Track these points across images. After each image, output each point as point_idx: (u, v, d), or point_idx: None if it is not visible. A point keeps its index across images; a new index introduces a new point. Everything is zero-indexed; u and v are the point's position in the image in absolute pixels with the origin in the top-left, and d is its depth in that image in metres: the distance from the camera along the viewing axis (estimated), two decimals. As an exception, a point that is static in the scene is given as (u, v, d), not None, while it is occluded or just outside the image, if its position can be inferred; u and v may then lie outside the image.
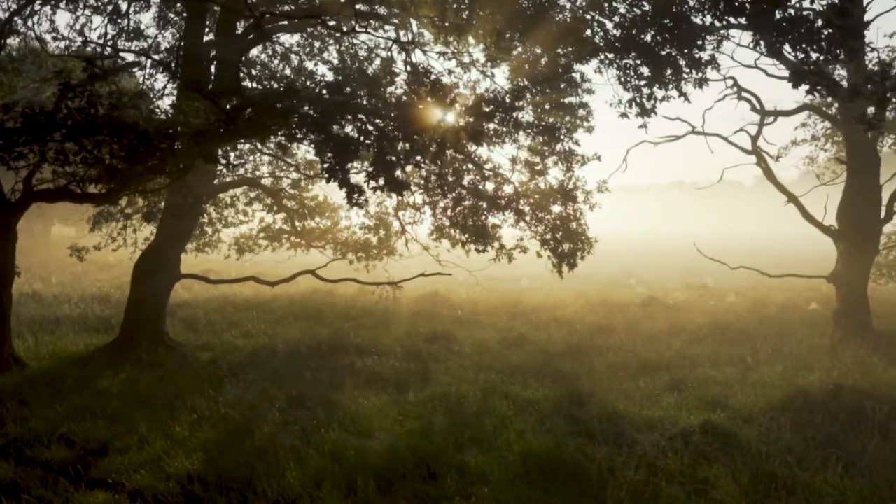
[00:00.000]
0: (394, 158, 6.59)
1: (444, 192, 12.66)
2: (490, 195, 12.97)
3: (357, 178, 8.69)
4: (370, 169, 6.28)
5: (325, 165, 6.06)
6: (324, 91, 10.70)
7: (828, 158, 16.26)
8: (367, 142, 6.41)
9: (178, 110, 6.91)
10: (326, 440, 6.89)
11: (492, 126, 12.45)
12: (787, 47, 6.53)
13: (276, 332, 13.82)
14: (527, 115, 12.47)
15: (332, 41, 16.14)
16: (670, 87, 8.06)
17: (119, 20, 14.12)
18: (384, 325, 14.80)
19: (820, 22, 6.21)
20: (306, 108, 6.52)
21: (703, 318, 14.89)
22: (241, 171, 17.29)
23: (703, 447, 6.68)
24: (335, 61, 15.67)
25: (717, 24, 6.93)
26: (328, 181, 6.15)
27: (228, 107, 5.98)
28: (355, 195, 6.05)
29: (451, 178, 12.18)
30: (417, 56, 20.35)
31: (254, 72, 15.79)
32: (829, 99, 11.28)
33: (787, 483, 5.81)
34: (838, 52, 6.46)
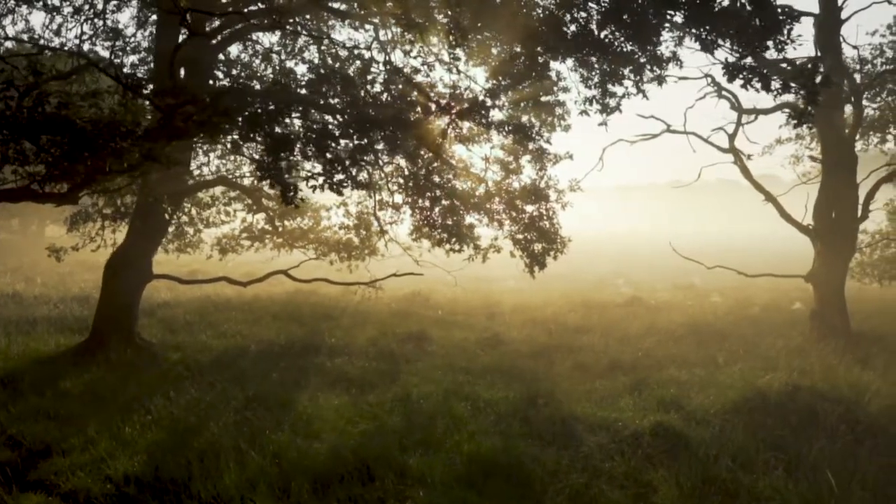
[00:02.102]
0: (335, 157, 6.53)
1: (420, 192, 12.66)
2: (464, 194, 12.92)
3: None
4: (315, 168, 6.25)
5: (257, 163, 6.01)
6: (302, 89, 10.73)
7: (806, 157, 16.14)
8: (310, 139, 6.35)
9: (125, 109, 6.85)
10: (272, 441, 6.84)
11: (465, 125, 12.45)
12: (719, 41, 6.43)
13: (252, 333, 13.77)
14: (499, 114, 12.45)
15: (311, 41, 16.10)
16: (628, 84, 7.94)
17: (95, 20, 14.09)
18: (361, 326, 14.73)
19: (746, 14, 6.12)
20: (255, 106, 6.47)
21: (682, 317, 14.78)
22: (223, 170, 17.35)
23: (652, 449, 6.60)
24: (317, 61, 15.64)
25: (659, 18, 6.84)
26: (259, 179, 6.08)
27: (164, 105, 5.94)
28: (290, 193, 6.00)
29: (423, 178, 12.17)
30: (400, 56, 20.24)
31: (234, 71, 15.77)
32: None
33: (729, 487, 5.73)
34: (767, 45, 6.35)
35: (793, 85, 6.52)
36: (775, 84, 6.47)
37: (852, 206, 12.38)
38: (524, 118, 13.03)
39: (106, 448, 6.75)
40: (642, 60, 8.07)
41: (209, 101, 5.89)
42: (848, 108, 13.47)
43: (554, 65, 11.53)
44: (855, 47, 14.14)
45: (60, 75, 9.76)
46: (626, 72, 7.86)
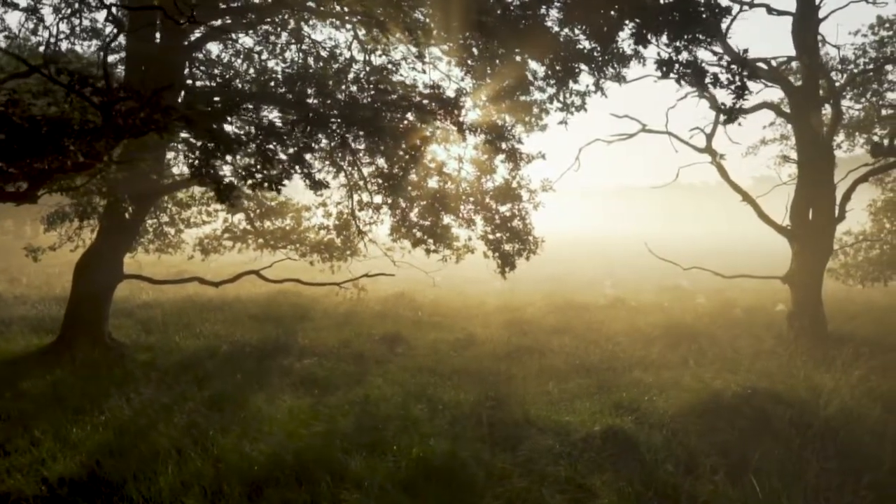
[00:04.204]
0: (276, 155, 6.45)
1: (395, 192, 12.65)
2: (439, 194, 12.84)
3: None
4: (252, 164, 6.16)
5: (189, 162, 5.93)
6: (265, 87, 10.61)
7: (779, 155, 15.94)
8: (257, 137, 6.27)
9: (71, 106, 6.77)
10: (216, 443, 6.75)
11: (438, 124, 12.37)
12: (650, 34, 6.32)
13: (227, 333, 13.69)
14: (473, 114, 12.42)
15: (292, 40, 16.05)
16: (589, 82, 7.85)
17: (72, 18, 14.04)
18: (339, 327, 14.64)
19: (670, 8, 6.01)
20: (198, 104, 6.39)
21: (662, 319, 14.63)
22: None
23: (600, 453, 6.49)
24: (299, 60, 15.59)
25: (617, 15, 6.73)
26: (192, 177, 6.00)
27: (100, 102, 5.86)
28: (227, 192, 5.91)
29: (396, 177, 12.13)
30: (380, 56, 20.17)
31: (216, 70, 15.73)
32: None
33: (670, 492, 5.62)
34: (697, 37, 6.22)
35: (722, 80, 6.40)
36: (708, 79, 6.36)
37: (829, 207, 12.22)
38: (503, 117, 12.96)
39: (49, 449, 6.69)
40: (604, 58, 7.96)
41: (148, 98, 5.79)
42: (827, 109, 13.30)
43: (532, 64, 11.51)
44: (836, 47, 13.95)
45: (19, 73, 9.70)
46: (585, 69, 7.75)
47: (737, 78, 6.28)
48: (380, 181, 12.80)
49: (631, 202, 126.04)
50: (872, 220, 16.01)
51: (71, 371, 10.05)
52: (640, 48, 6.59)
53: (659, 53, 6.46)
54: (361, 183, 13.77)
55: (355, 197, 14.37)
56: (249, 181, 5.95)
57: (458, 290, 19.81)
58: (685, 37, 6.03)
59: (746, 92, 6.50)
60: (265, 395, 8.92)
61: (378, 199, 13.55)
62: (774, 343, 11.38)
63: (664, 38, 6.24)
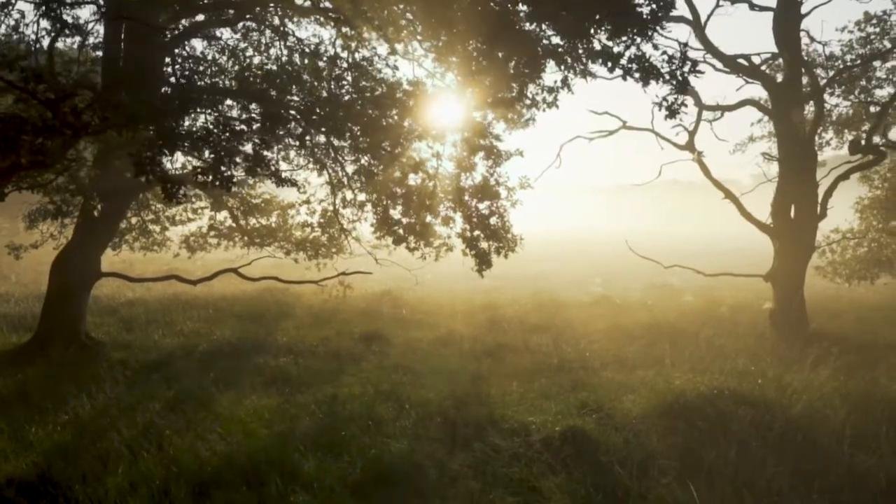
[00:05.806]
0: (230, 153, 6.37)
1: (375, 187, 12.58)
2: (419, 191, 12.77)
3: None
4: (206, 163, 6.08)
5: (135, 159, 5.86)
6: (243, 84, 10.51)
7: (763, 153, 15.76)
8: (211, 134, 6.19)
9: (28, 105, 6.70)
10: (173, 444, 6.69)
11: (419, 122, 12.29)
12: (592, 28, 6.20)
13: (209, 331, 13.65)
14: (455, 110, 12.36)
15: (277, 37, 15.97)
16: (557, 78, 7.73)
17: (53, 15, 13.95)
18: (321, 325, 14.59)
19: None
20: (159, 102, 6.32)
21: (645, 317, 14.52)
22: (189, 167, 17.21)
23: (557, 455, 6.41)
24: (283, 57, 15.51)
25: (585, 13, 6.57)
26: (136, 175, 5.93)
27: (46, 99, 5.79)
28: (174, 189, 5.83)
29: (378, 172, 12.07)
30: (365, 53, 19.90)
31: (201, 68, 15.66)
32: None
33: (621, 495, 5.53)
34: (630, 30, 6.07)
35: (664, 74, 6.27)
36: (653, 74, 6.23)
37: (811, 205, 12.08)
38: (486, 114, 12.87)
39: (3, 449, 6.64)
40: (573, 54, 7.84)
41: (98, 95, 5.72)
42: (811, 106, 13.16)
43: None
44: (822, 43, 13.78)
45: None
46: (552, 63, 7.62)
47: (678, 73, 6.15)
48: (363, 179, 12.75)
49: (631, 200, 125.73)
50: (859, 217, 15.86)
51: (43, 370, 10.01)
52: (579, 41, 6.44)
53: (603, 48, 6.33)
54: (345, 180, 13.72)
55: (339, 195, 14.32)
56: (200, 178, 5.88)
57: (446, 288, 19.73)
58: (629, 30, 5.90)
59: (688, 87, 6.35)
60: (233, 395, 8.86)
61: (362, 196, 13.52)
62: (755, 342, 11.25)
63: (606, 32, 6.11)
